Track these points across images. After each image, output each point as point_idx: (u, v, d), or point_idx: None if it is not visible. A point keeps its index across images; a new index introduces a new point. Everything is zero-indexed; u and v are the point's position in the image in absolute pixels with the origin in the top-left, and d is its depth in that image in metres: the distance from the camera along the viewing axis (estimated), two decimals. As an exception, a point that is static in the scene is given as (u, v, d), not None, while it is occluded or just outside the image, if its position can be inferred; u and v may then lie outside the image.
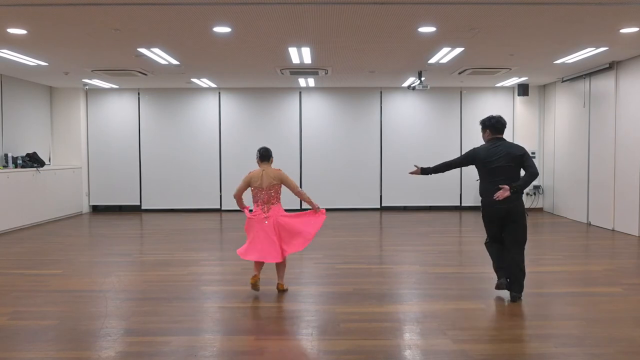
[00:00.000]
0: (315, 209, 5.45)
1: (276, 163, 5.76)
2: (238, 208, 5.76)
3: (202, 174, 12.64)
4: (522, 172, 5.13)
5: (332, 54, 8.29)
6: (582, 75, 10.14)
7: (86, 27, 6.50)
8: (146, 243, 9.11)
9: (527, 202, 12.13)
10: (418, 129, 12.63)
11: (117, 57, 8.39)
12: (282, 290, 5.45)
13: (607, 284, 5.77)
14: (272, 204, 5.39)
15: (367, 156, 12.65)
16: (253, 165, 5.74)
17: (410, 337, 4.21)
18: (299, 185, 5.66)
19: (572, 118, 11.00)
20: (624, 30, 6.79)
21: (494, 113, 5.59)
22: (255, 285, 5.26)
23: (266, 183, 5.39)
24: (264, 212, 5.37)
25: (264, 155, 5.56)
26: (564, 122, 11.34)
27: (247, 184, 5.49)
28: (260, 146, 5.68)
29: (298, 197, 5.60)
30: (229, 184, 12.42)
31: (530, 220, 10.62)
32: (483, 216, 5.29)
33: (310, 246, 8.40)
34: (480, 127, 5.35)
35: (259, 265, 5.43)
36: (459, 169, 12.61)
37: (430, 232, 9.46)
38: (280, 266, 5.45)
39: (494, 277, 6.17)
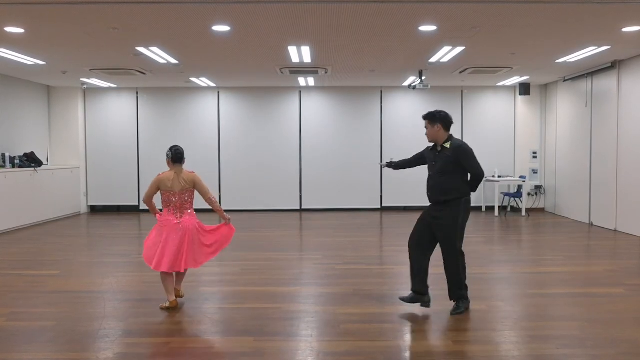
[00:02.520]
0: (225, 221, 5.10)
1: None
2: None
3: (200, 174, 12.47)
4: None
5: (332, 53, 8.25)
6: (584, 75, 10.10)
7: (84, 26, 6.47)
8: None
9: (529, 202, 12.10)
10: (419, 129, 12.30)
11: (116, 56, 8.35)
12: (179, 297, 5.10)
13: (609, 285, 5.73)
14: (186, 209, 4.95)
15: (367, 156, 12.60)
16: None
17: (410, 338, 4.18)
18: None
19: (573, 118, 10.96)
20: (626, 29, 6.76)
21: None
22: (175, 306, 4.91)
23: (179, 187, 4.94)
24: (177, 218, 4.91)
25: (177, 157, 5.00)
26: (566, 121, 11.30)
27: (157, 188, 4.95)
28: (174, 145, 5.13)
29: (208, 204, 5.11)
30: (227, 184, 12.39)
31: (531, 221, 10.70)
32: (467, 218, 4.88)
33: (310, 247, 8.46)
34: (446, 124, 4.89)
35: (172, 279, 4.99)
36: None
37: (430, 232, 9.40)
38: (181, 274, 5.15)
39: (494, 278, 6.15)
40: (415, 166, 5.18)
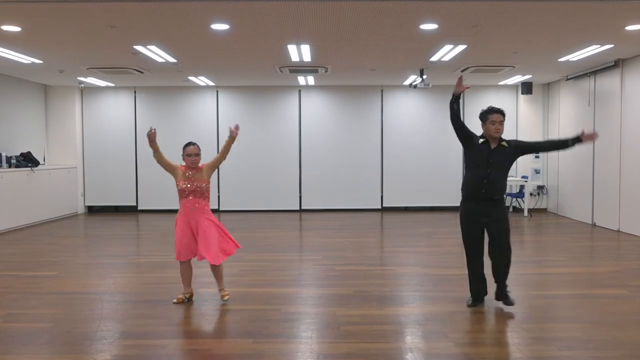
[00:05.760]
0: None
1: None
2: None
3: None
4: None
5: (332, 52, 8.19)
6: (587, 73, 10.05)
7: (81, 24, 6.41)
8: (143, 244, 9.02)
9: (531, 202, 12.04)
10: (420, 128, 12.53)
11: (113, 54, 8.29)
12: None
13: (612, 286, 5.68)
14: None
15: (367, 156, 12.55)
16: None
17: (411, 340, 4.13)
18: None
19: (576, 117, 10.90)
20: (629, 28, 6.70)
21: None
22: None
23: None
24: None
25: None
26: (569, 121, 11.25)
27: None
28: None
29: None
30: (226, 184, 12.32)
31: (533, 221, 10.66)
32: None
33: (310, 248, 8.42)
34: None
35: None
36: (460, 168, 12.58)
37: (432, 233, 9.36)
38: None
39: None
40: (458, 126, 4.84)
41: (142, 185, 12.57)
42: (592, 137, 4.69)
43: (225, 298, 5.11)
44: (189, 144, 5.16)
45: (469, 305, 4.91)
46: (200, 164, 5.17)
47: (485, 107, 4.92)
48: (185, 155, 5.11)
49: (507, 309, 4.86)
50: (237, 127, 5.17)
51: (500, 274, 4.86)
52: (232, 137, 5.15)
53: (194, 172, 5.12)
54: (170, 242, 8.58)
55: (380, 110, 12.56)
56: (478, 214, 4.77)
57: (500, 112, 4.78)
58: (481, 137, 4.83)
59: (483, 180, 4.71)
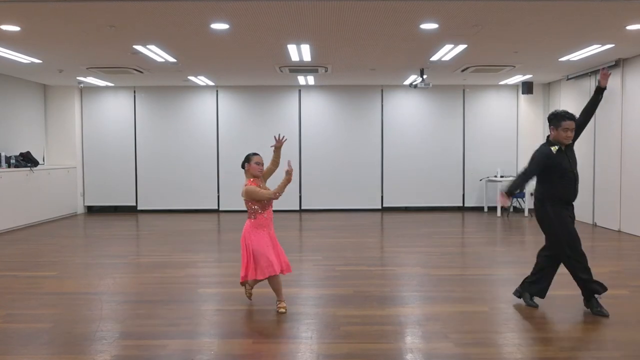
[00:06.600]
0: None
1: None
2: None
3: (199, 174, 12.52)
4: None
5: (332, 51, 8.18)
6: (588, 73, 10.04)
7: (81, 24, 6.40)
8: (142, 244, 9.00)
9: (532, 202, 11.98)
10: (420, 128, 12.51)
11: (113, 54, 8.28)
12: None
13: (613, 286, 5.63)
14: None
15: (368, 156, 12.53)
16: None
17: (412, 341, 4.12)
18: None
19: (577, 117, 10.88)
20: (630, 27, 6.69)
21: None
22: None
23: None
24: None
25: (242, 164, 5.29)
26: (568, 121, 11.22)
27: None
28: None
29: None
30: (226, 184, 12.31)
31: (534, 221, 10.54)
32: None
33: (310, 248, 8.40)
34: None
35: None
36: (460, 168, 12.57)
37: (432, 234, 9.35)
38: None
39: (496, 279, 6.07)
40: (535, 175, 4.79)
41: (142, 185, 12.56)
42: (606, 76, 4.87)
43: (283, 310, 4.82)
44: (255, 154, 5.17)
45: (598, 312, 4.68)
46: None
47: (558, 110, 4.85)
48: (254, 163, 5.09)
49: (507, 309, 4.85)
50: (290, 169, 5.09)
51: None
52: (288, 177, 5.09)
53: (261, 183, 5.17)
54: (170, 242, 8.62)
55: (380, 110, 12.55)
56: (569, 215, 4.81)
57: (574, 119, 4.77)
58: (550, 144, 4.76)
59: (575, 184, 4.80)
